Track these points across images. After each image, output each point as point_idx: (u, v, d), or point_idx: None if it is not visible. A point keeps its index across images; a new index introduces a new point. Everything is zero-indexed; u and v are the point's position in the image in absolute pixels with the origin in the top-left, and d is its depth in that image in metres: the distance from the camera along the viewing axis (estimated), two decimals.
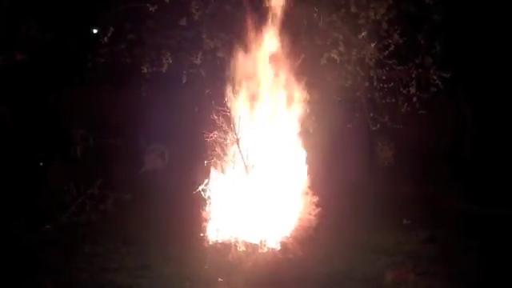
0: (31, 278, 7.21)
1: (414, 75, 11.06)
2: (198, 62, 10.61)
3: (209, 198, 7.43)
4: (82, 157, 12.91)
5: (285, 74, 7.83)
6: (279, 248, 7.04)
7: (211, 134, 7.34)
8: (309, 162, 7.79)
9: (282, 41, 7.89)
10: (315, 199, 7.72)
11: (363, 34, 10.64)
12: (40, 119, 11.86)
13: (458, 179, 11.31)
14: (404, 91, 11.14)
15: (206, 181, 7.52)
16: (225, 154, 7.46)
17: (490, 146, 12.41)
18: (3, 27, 10.99)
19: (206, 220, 7.32)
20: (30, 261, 7.75)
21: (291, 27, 8.34)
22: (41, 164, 11.75)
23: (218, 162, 7.48)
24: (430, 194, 11.08)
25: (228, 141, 7.47)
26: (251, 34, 8.08)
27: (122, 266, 7.72)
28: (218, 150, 7.46)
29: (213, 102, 7.57)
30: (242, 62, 7.83)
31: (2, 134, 11.19)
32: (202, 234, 7.42)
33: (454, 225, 9.39)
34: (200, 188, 7.43)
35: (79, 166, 12.05)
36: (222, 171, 7.51)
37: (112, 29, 10.59)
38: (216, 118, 7.28)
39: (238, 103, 7.48)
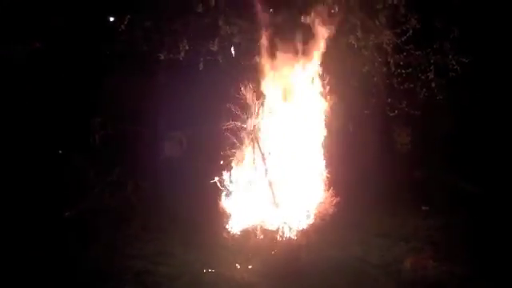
0: (51, 264, 7.31)
1: (432, 60, 10.96)
2: (215, 48, 10.61)
3: (227, 185, 7.45)
4: (101, 144, 12.99)
5: (302, 60, 7.79)
6: (297, 234, 7.07)
7: (228, 122, 7.34)
8: (326, 148, 7.78)
9: (298, 27, 7.85)
10: (332, 185, 7.72)
11: (381, 19, 10.54)
12: (58, 107, 11.93)
13: (476, 165, 11.23)
14: (422, 77, 11.05)
15: (224, 168, 7.53)
16: (242, 142, 7.46)
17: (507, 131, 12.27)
18: (20, 16, 11.06)
19: (225, 207, 7.35)
20: (50, 247, 7.85)
21: (308, 13, 8.28)
22: (60, 152, 11.85)
23: (236, 149, 7.49)
24: (448, 180, 11.02)
25: (246, 127, 7.47)
26: (267, 20, 8.05)
27: (142, 252, 7.81)
28: (235, 137, 7.46)
29: (231, 90, 7.56)
30: (258, 49, 7.80)
31: (21, 122, 11.30)
32: (221, 222, 7.47)
33: (472, 210, 9.36)
34: (218, 178, 7.45)
35: (98, 154, 12.12)
36: (240, 159, 7.52)
37: (128, 16, 10.60)
38: (233, 106, 7.28)
39: (255, 90, 7.46)
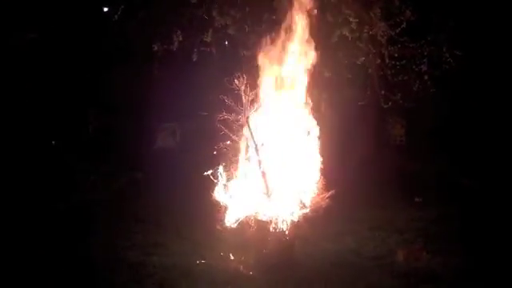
0: (44, 256, 7.29)
1: (426, 53, 10.96)
2: (209, 39, 10.57)
3: (221, 177, 7.43)
4: (95, 136, 12.97)
5: (296, 52, 7.75)
6: (290, 227, 7.05)
7: (222, 114, 7.31)
8: (320, 140, 7.76)
9: (292, 18, 7.79)
10: (326, 177, 7.70)
11: (375, 10, 10.52)
12: (52, 99, 11.90)
13: (469, 157, 11.26)
14: (416, 69, 11.05)
15: (218, 160, 7.50)
16: (235, 134, 7.43)
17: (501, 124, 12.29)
18: (13, 7, 11.01)
19: (219, 199, 7.33)
20: (44, 239, 7.83)
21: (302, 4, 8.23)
22: (53, 143, 11.83)
23: (229, 141, 7.45)
24: (442, 172, 11.05)
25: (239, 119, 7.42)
26: (261, 12, 7.99)
27: (135, 243, 7.80)
28: (228, 129, 7.43)
29: (224, 80, 7.51)
30: (252, 40, 7.75)
31: (15, 114, 11.26)
32: (214, 213, 7.45)
33: (466, 202, 9.39)
34: (211, 170, 7.41)
35: (92, 145, 12.10)
36: (233, 150, 7.49)
37: (122, 7, 10.55)
38: (226, 97, 7.24)
39: (248, 82, 7.42)
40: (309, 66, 7.49)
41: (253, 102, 7.23)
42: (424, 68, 11.00)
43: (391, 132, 13.27)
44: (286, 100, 7.50)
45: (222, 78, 7.41)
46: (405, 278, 6.77)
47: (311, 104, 7.55)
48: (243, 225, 7.08)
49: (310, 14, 7.42)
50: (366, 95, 11.58)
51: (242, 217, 7.08)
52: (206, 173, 7.26)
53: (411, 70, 11.13)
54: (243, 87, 7.13)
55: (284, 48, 7.45)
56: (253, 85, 7.27)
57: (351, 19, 10.41)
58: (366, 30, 10.62)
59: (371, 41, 10.82)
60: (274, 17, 8.32)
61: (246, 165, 7.33)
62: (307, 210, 7.14)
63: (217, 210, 7.20)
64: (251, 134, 7.17)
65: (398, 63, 11.03)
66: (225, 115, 7.15)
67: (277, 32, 7.47)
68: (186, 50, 10.71)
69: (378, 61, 11.08)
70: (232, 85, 7.13)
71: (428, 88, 11.09)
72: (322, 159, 7.47)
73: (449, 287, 6.67)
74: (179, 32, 10.44)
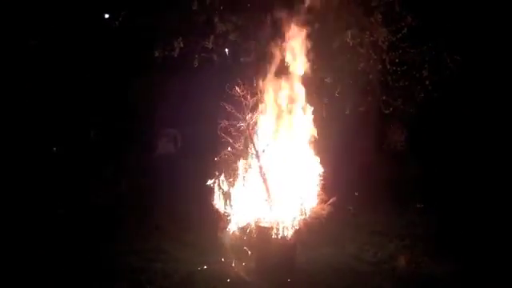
0: (45, 261, 7.30)
1: (427, 58, 10.97)
2: (210, 46, 10.60)
3: (222, 183, 7.44)
4: (96, 140, 12.97)
5: (297, 58, 7.77)
6: (291, 232, 7.07)
7: (223, 120, 7.31)
8: (321, 146, 7.77)
9: (294, 24, 7.81)
10: (327, 183, 7.70)
11: (376, 16, 10.54)
12: (53, 105, 11.92)
13: (471, 162, 11.25)
14: (417, 74, 11.06)
15: (219, 166, 7.50)
16: (236, 140, 7.43)
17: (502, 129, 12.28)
18: (14, 12, 11.05)
19: (220, 205, 7.35)
20: (44, 244, 7.84)
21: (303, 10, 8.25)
22: (54, 149, 11.84)
23: (231, 147, 7.46)
24: (442, 177, 11.04)
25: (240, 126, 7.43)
26: (262, 18, 8.00)
27: (137, 249, 7.79)
28: (229, 135, 7.44)
29: (225, 87, 7.52)
30: (253, 46, 7.76)
31: (17, 120, 11.29)
32: (215, 219, 7.46)
33: (467, 207, 9.38)
34: (213, 177, 7.41)
35: (93, 151, 12.10)
36: (235, 157, 7.50)
37: (123, 13, 10.59)
38: (227, 104, 7.25)
39: (249, 89, 7.44)
40: (309, 74, 7.50)
41: (253, 108, 7.25)
42: (425, 73, 11.01)
43: (392, 137, 13.26)
44: (286, 107, 7.52)
45: (223, 84, 7.42)
46: (405, 283, 6.78)
47: (312, 110, 7.56)
48: (245, 231, 7.09)
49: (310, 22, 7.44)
50: (366, 101, 11.59)
51: (243, 223, 7.09)
52: (208, 181, 7.27)
53: (412, 75, 11.14)
54: (244, 93, 7.15)
55: (284, 56, 7.48)
56: (253, 91, 7.29)
57: (352, 25, 10.45)
58: (367, 36, 10.64)
59: (372, 46, 10.84)
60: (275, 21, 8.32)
61: (246, 171, 7.34)
62: (308, 216, 7.15)
63: (219, 216, 7.21)
64: (252, 140, 7.19)
65: (398, 69, 11.04)
66: (226, 121, 7.16)
67: (277, 39, 7.50)
68: (187, 56, 10.74)
69: (379, 66, 11.10)
70: (233, 91, 7.15)
71: (429, 93, 11.11)
72: (322, 164, 7.48)
73: None
74: (180, 38, 10.48)
